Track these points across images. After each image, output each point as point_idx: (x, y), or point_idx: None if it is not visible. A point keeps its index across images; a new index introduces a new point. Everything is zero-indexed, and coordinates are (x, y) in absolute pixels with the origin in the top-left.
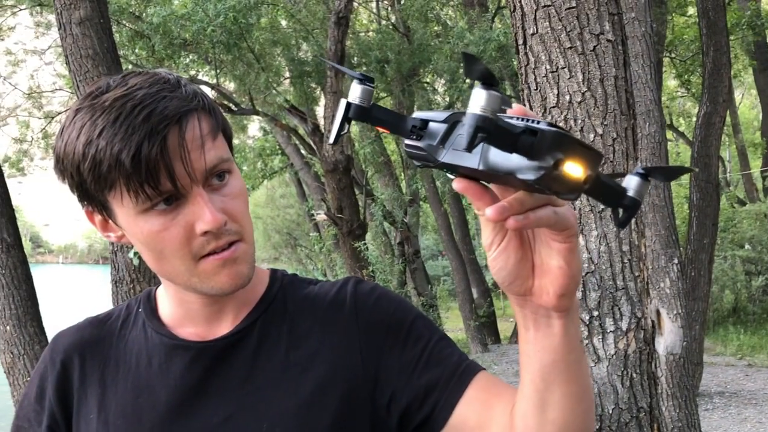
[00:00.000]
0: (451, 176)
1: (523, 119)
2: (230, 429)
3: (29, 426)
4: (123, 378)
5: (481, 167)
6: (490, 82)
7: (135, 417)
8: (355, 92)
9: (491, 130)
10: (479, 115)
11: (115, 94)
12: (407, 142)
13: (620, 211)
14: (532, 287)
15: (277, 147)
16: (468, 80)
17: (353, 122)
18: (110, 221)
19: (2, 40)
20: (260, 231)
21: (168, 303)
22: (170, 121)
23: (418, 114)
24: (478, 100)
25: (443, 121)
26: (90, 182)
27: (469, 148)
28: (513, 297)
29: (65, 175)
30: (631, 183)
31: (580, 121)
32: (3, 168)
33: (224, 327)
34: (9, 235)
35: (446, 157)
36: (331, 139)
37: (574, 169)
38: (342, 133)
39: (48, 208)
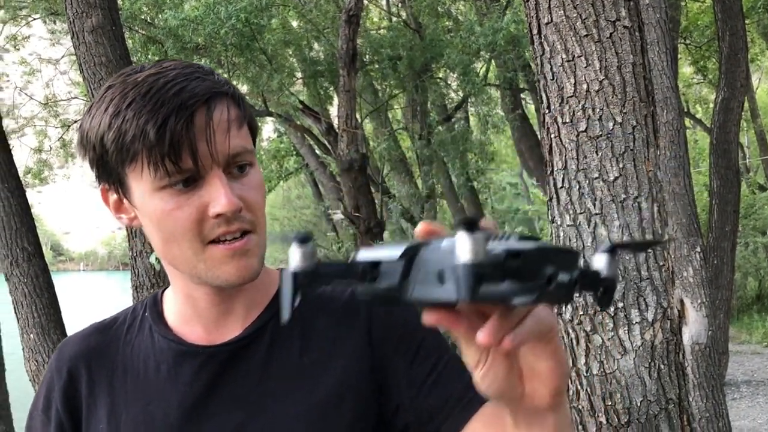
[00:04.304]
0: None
1: (494, 237)
2: None
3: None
4: (132, 385)
5: (464, 297)
6: (472, 225)
7: (147, 425)
8: (297, 256)
9: (486, 273)
10: (471, 264)
11: (149, 72)
12: (359, 289)
13: (599, 292)
14: (524, 392)
15: (292, 148)
16: (480, 76)
17: (368, 120)
18: (125, 201)
19: (18, 50)
20: (278, 233)
21: (175, 302)
22: (200, 99)
23: (364, 256)
24: (466, 246)
25: (400, 257)
26: (112, 153)
27: (472, 296)
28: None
29: (87, 148)
30: (601, 263)
31: (598, 110)
32: (25, 178)
33: (233, 329)
34: (30, 244)
35: (415, 293)
36: (285, 317)
37: (565, 277)
38: (295, 305)
39: (68, 216)
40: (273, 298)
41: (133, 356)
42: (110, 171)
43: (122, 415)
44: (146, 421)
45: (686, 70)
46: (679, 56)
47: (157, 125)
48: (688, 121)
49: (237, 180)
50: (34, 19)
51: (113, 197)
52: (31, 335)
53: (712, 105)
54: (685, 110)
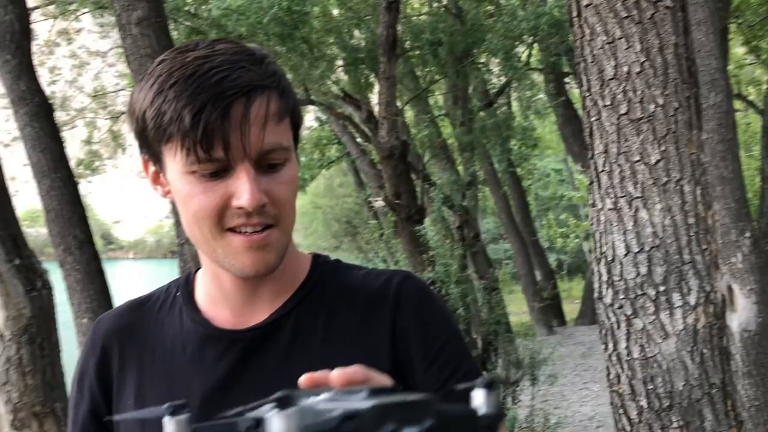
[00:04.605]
0: None
1: (333, 394)
2: None
3: (75, 410)
4: (159, 365)
5: None
6: (284, 402)
7: None
8: (171, 428)
9: None
10: None
11: (198, 54)
12: None
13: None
14: None
15: (334, 136)
16: (522, 60)
17: (408, 107)
18: (161, 175)
19: (69, 43)
20: (320, 220)
21: (204, 283)
22: (240, 91)
23: (249, 415)
24: (274, 427)
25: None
26: (151, 129)
27: None
28: None
29: (132, 119)
30: (478, 399)
31: (639, 92)
32: (77, 169)
33: (260, 314)
34: (81, 232)
35: None
36: None
37: (413, 430)
38: None
39: (118, 205)
40: (301, 284)
41: (162, 335)
42: (149, 145)
43: (148, 393)
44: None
45: (738, 50)
46: (730, 36)
47: (193, 112)
48: (739, 104)
49: (268, 174)
50: (83, 13)
51: (152, 169)
52: (84, 320)
53: (764, 86)
54: (736, 92)
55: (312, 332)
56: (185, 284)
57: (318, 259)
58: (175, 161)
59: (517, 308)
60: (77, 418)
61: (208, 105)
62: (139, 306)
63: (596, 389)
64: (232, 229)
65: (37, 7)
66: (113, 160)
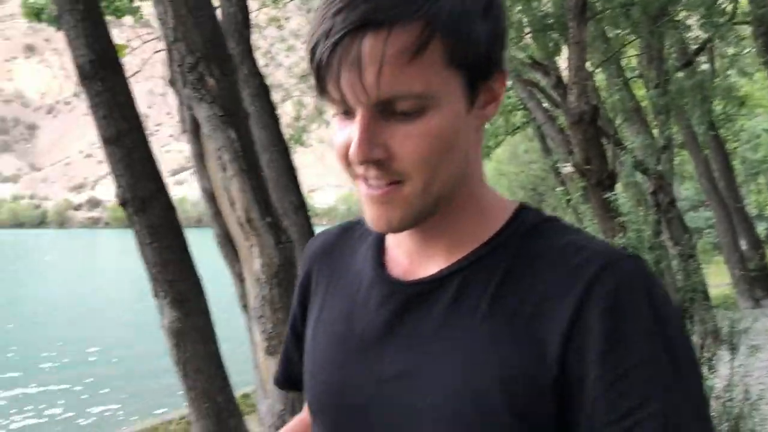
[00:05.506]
0: None
1: None
2: (397, 389)
3: (292, 311)
4: (340, 294)
5: None
6: None
7: (332, 341)
8: None
9: None
10: None
11: None
12: None
13: None
14: None
15: (518, 102)
16: (726, 14)
17: (599, 70)
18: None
19: (280, 29)
20: (505, 187)
21: None
22: (350, 26)
23: None
24: None
25: None
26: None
27: None
28: None
29: None
30: None
31: None
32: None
33: (432, 266)
34: (296, 198)
35: None
36: None
37: None
38: None
39: (314, 176)
40: (486, 241)
41: (351, 264)
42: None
43: (325, 319)
44: (336, 337)
45: None
46: None
47: (309, 47)
48: None
49: (398, 122)
50: (290, 0)
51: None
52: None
53: None
54: None
55: (476, 302)
56: None
57: (520, 214)
58: None
59: (719, 280)
60: (288, 328)
61: (321, 41)
62: (347, 230)
63: None
64: (360, 177)
65: None
66: (317, 133)
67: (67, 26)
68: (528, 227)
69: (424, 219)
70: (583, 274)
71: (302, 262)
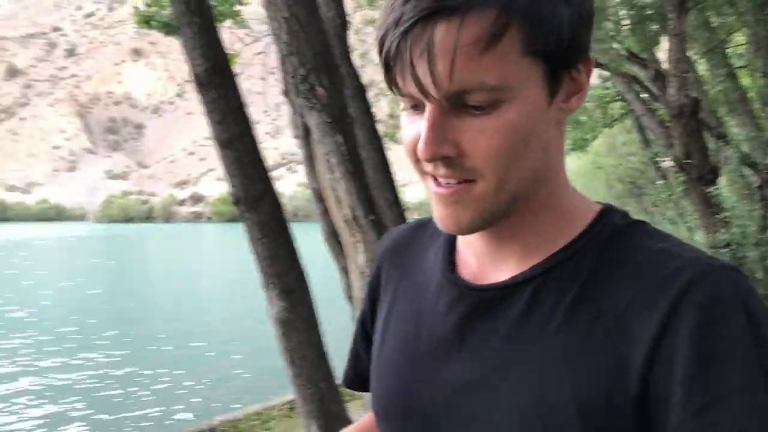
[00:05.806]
0: None
1: None
2: (466, 400)
3: (363, 308)
4: (410, 294)
5: None
6: None
7: (402, 342)
8: None
9: None
10: None
11: None
12: None
13: None
14: None
15: (616, 94)
16: None
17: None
18: None
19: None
20: (602, 181)
21: None
22: (419, 14)
23: None
24: None
25: None
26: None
27: None
28: None
29: None
30: None
31: None
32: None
33: (504, 271)
34: (391, 195)
35: None
36: None
37: None
38: None
39: (405, 170)
40: (565, 246)
41: (420, 264)
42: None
43: (393, 319)
44: (401, 337)
45: None
46: None
47: (378, 37)
48: None
49: (470, 117)
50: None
51: None
52: None
53: None
54: None
55: (551, 312)
56: None
57: (604, 217)
58: None
59: None
60: (357, 325)
61: (390, 30)
62: (420, 227)
63: None
64: (427, 173)
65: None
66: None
67: (185, 37)
68: (611, 231)
69: (496, 220)
70: (671, 284)
71: (376, 255)
